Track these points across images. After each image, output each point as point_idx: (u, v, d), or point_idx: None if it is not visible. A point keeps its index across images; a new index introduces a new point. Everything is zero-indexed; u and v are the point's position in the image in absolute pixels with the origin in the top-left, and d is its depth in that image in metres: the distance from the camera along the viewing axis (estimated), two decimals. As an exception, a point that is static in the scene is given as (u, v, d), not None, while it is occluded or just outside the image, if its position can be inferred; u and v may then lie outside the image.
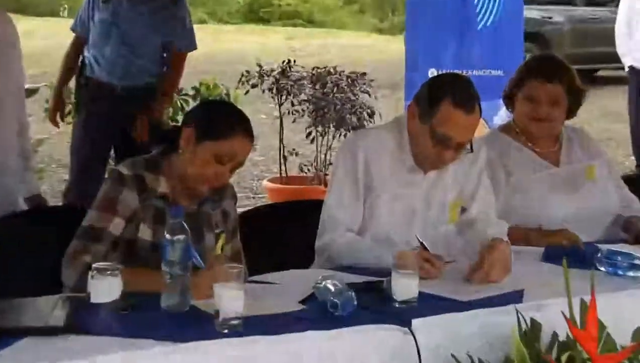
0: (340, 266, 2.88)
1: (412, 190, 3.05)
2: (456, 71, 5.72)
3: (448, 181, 3.09)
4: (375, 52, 17.64)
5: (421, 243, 2.79)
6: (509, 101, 3.52)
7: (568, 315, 2.23)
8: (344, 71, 6.49)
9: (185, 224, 2.40)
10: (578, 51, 13.40)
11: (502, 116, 5.53)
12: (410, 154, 3.02)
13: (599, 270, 2.84)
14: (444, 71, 5.76)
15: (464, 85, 2.97)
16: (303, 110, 6.50)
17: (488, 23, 5.83)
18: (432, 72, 5.63)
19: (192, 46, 4.95)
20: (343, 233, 2.98)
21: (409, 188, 3.04)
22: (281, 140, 6.68)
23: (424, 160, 2.99)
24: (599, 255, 2.89)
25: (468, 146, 2.97)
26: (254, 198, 7.55)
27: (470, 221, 3.11)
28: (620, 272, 2.84)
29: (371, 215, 3.03)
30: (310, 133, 6.54)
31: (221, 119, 2.74)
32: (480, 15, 5.84)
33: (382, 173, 3.02)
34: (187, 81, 8.05)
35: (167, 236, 2.38)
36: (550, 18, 13.82)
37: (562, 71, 3.41)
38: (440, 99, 2.89)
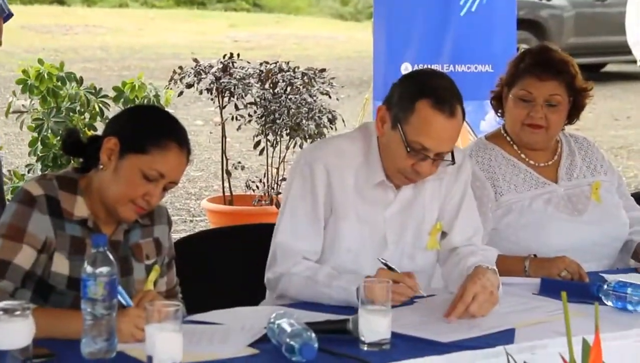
0: (297, 302, 2.94)
1: (382, 211, 3.11)
2: (434, 67, 5.84)
3: (425, 199, 3.16)
4: (336, 44, 17.75)
5: (385, 265, 2.85)
6: (498, 103, 3.60)
7: (568, 358, 2.29)
8: (298, 67, 6.53)
9: (110, 255, 2.45)
10: (582, 41, 13.62)
11: (491, 120, 5.63)
12: (380, 168, 3.08)
13: (605, 304, 2.93)
14: (420, 67, 5.86)
15: (444, 83, 3.03)
16: (250, 115, 6.53)
17: (473, 8, 5.90)
18: (407, 68, 5.70)
19: None
20: (299, 261, 3.04)
21: (378, 208, 3.11)
22: (223, 151, 6.72)
23: (397, 174, 3.05)
24: (605, 286, 2.97)
25: (449, 157, 3.02)
26: (191, 221, 7.59)
27: (452, 248, 3.19)
28: (629, 307, 2.91)
29: (333, 243, 3.09)
30: (258, 143, 6.58)
31: (151, 128, 2.79)
32: (464, -2, 5.92)
33: (346, 191, 3.08)
34: (106, 79, 8.08)
35: (88, 268, 2.42)
36: (549, 1, 14.02)
37: (561, 65, 3.48)
38: (415, 100, 2.94)
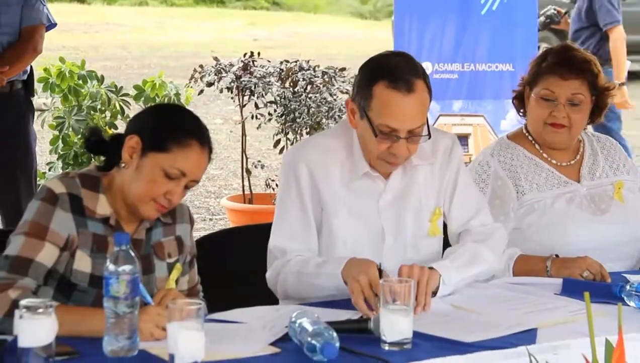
0: (317, 302, 2.95)
1: (375, 202, 3.11)
2: (455, 66, 5.84)
3: (419, 186, 3.16)
4: (355, 42, 17.74)
5: (379, 270, 2.83)
6: (520, 102, 3.60)
7: (591, 359, 2.29)
8: (318, 66, 6.54)
9: (132, 253, 2.46)
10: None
11: (512, 120, 5.63)
12: (363, 159, 3.08)
13: (627, 304, 2.92)
14: (441, 66, 5.87)
15: (397, 61, 3.01)
16: (270, 113, 6.54)
17: (494, 7, 5.91)
18: (427, 67, 5.71)
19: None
20: (292, 259, 3.05)
21: (370, 200, 3.11)
22: (244, 150, 6.73)
23: (378, 161, 3.05)
24: (628, 287, 2.96)
25: (425, 132, 3.00)
26: (211, 219, 7.60)
27: (455, 235, 3.19)
28: (653, 308, 2.90)
29: (329, 240, 3.10)
30: (278, 141, 6.59)
31: (172, 127, 2.80)
32: (486, -3, 5.92)
33: (333, 187, 3.09)
34: (126, 78, 8.10)
35: (110, 266, 2.43)
36: (570, 1, 13.97)
37: (584, 64, 3.47)
38: (372, 85, 2.96)
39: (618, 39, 6.94)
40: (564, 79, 3.42)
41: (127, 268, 2.44)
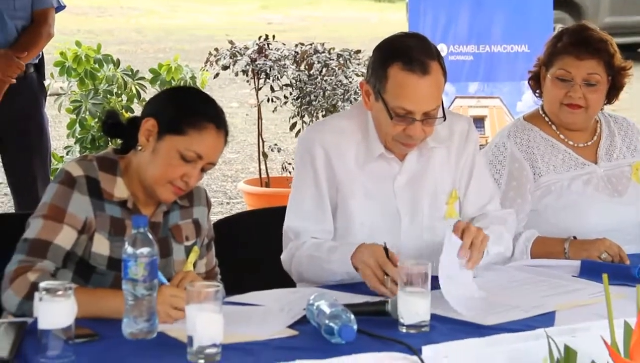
0: (335, 284, 2.94)
1: (390, 184, 3.11)
2: (470, 47, 5.82)
3: (435, 169, 3.15)
4: (369, 25, 17.70)
5: (385, 249, 2.82)
6: (536, 83, 3.58)
7: (609, 341, 2.28)
8: (333, 49, 6.52)
9: (150, 235, 2.46)
10: (619, 21, 13.50)
11: (528, 101, 5.61)
12: (378, 141, 3.08)
13: (646, 286, 2.90)
14: (456, 48, 5.84)
15: (412, 42, 3.00)
16: (286, 96, 6.53)
17: (511, -13, 5.88)
18: (442, 49, 5.68)
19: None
20: (307, 241, 3.04)
21: (385, 181, 3.10)
22: (260, 133, 6.73)
23: (393, 143, 3.05)
24: (647, 269, 2.96)
25: (440, 114, 2.99)
26: (228, 203, 7.61)
27: (468, 219, 3.16)
28: (671, 289, 2.89)
29: (346, 221, 3.10)
30: (294, 124, 6.58)
31: (189, 109, 2.80)
32: (501, -23, 5.89)
33: (348, 168, 3.08)
34: (142, 61, 8.10)
35: (129, 249, 2.44)
36: (585, -20, 13.90)
37: (600, 44, 3.45)
38: (387, 67, 2.95)
39: None
40: (579, 59, 3.40)
41: (145, 250, 2.44)
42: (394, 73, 2.93)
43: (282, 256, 3.11)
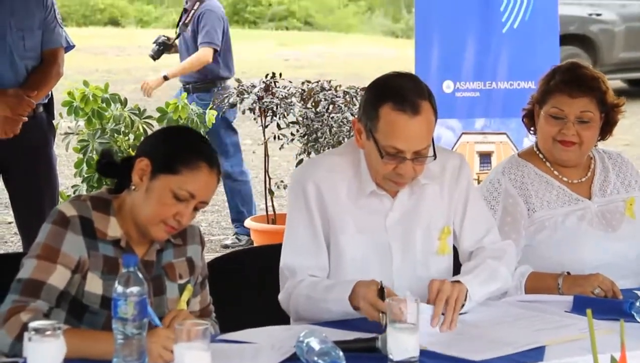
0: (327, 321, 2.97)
1: (382, 220, 3.14)
2: (476, 84, 5.85)
3: (428, 204, 3.17)
4: (385, 61, 17.77)
5: (381, 287, 2.85)
6: (530, 120, 3.61)
7: (594, 376, 2.29)
8: (340, 86, 6.57)
9: (140, 274, 2.49)
10: (634, 55, 13.52)
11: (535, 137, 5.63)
12: (369, 178, 3.11)
13: (638, 321, 2.91)
14: (462, 84, 5.88)
15: (402, 82, 3.03)
16: (292, 134, 6.58)
17: (515, 25, 5.91)
18: (448, 86, 5.73)
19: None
20: (304, 279, 3.07)
21: (377, 217, 3.13)
22: (266, 170, 6.78)
23: (384, 181, 3.08)
24: (638, 303, 2.96)
25: (430, 153, 3.02)
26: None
27: (467, 254, 3.20)
28: (662, 324, 2.89)
29: (337, 257, 3.13)
30: (301, 161, 6.61)
31: (181, 149, 2.84)
32: (506, 15, 5.92)
33: (340, 204, 3.11)
34: (157, 100, 8.17)
35: (119, 288, 2.46)
36: (599, 15, 13.94)
37: (592, 82, 3.47)
38: (378, 106, 2.98)
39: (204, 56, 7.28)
40: (572, 97, 3.43)
41: (135, 289, 2.46)
42: (385, 113, 2.97)
43: (280, 296, 3.13)
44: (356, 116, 3.13)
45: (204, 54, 7.30)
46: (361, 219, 3.12)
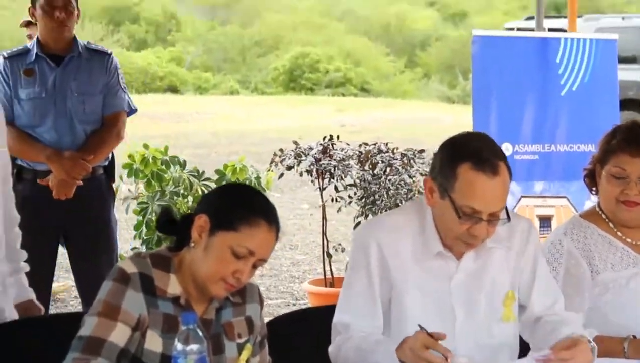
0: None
1: (447, 282, 3.10)
2: (535, 146, 5.82)
3: (494, 269, 3.14)
4: (442, 126, 17.79)
5: (421, 328, 2.81)
6: (592, 181, 3.57)
7: None
8: (397, 148, 6.57)
9: (200, 332, 2.49)
10: (694, 120, 13.39)
11: (596, 200, 5.57)
12: (436, 238, 3.08)
13: None
14: (521, 147, 5.85)
15: (481, 143, 3.02)
16: (350, 196, 6.57)
17: (574, 87, 5.90)
18: (507, 148, 5.71)
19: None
20: (355, 333, 3.04)
21: (441, 279, 3.10)
22: (324, 233, 6.76)
23: (455, 241, 3.05)
24: None
25: (504, 215, 3.00)
26: (294, 304, 7.60)
27: (535, 318, 3.15)
28: None
29: (399, 318, 3.09)
30: (358, 224, 6.60)
31: (240, 206, 2.84)
32: (565, 78, 5.91)
33: (404, 264, 3.08)
34: (214, 164, 8.23)
35: (178, 346, 2.46)
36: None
37: None
38: (457, 165, 2.96)
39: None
40: (633, 156, 3.40)
41: (194, 347, 2.46)
42: (463, 172, 2.95)
43: (330, 349, 3.11)
44: (429, 175, 3.09)
45: None
46: (425, 280, 3.09)
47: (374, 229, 3.17)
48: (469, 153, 2.97)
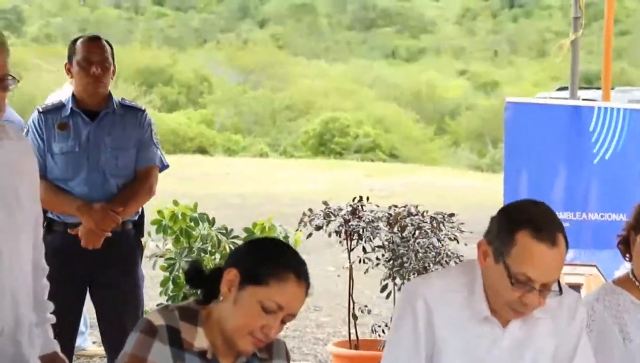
0: None
1: (490, 348, 3.05)
2: (567, 215, 5.79)
3: (538, 339, 3.09)
4: (471, 193, 17.76)
5: None
6: (626, 247, 3.54)
7: None
8: (427, 211, 6.55)
9: (225, 385, 2.46)
10: None
11: (627, 270, 5.52)
12: (485, 303, 3.04)
13: None
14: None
15: (542, 212, 2.99)
16: (378, 258, 6.54)
17: (607, 156, 5.88)
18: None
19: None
20: None
21: (485, 345, 3.05)
22: (350, 295, 6.72)
23: (504, 308, 3.00)
24: None
25: (555, 287, 2.97)
26: (318, 367, 7.55)
27: None
28: None
29: None
30: (385, 286, 6.56)
31: (269, 260, 2.82)
32: (597, 146, 5.90)
33: (449, 326, 3.04)
34: (240, 222, 8.24)
35: (204, 399, 2.44)
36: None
37: None
38: (516, 231, 2.92)
39: None
40: (669, 223, 3.37)
41: (220, 401, 2.44)
42: (522, 239, 2.91)
43: None
44: (485, 237, 3.05)
45: None
46: (470, 344, 3.04)
47: (423, 287, 3.13)
48: (529, 220, 2.93)
